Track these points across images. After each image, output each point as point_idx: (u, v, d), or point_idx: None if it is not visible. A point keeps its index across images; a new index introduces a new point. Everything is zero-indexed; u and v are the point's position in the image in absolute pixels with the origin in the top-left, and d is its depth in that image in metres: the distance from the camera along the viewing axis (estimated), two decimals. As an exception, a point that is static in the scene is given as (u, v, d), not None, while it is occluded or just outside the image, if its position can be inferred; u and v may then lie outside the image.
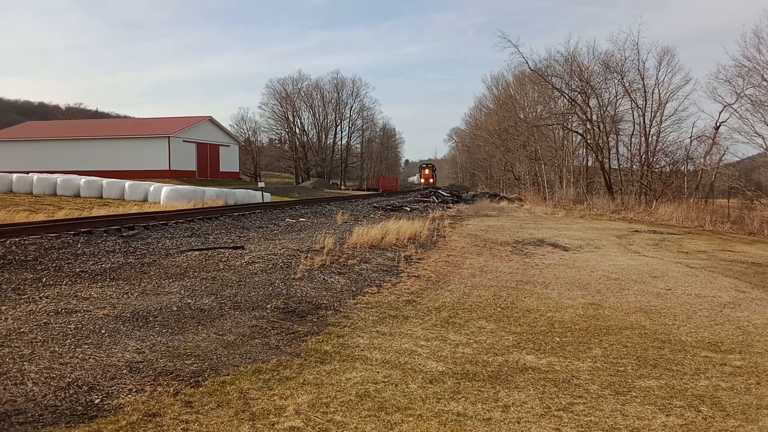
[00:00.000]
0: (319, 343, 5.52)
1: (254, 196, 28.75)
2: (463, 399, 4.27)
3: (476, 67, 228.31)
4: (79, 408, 3.70)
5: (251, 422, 3.66)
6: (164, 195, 24.26)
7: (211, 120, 49.54)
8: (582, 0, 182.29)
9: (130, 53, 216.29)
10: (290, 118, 79.94)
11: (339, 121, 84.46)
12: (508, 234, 16.61)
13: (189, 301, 6.44)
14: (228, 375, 4.48)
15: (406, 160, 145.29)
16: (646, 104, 34.20)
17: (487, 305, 7.57)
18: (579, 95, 36.48)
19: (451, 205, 31.92)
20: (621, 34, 71.24)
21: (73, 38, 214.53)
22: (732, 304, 8.17)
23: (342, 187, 73.03)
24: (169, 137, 42.79)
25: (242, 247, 10.18)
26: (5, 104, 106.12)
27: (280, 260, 9.11)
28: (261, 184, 31.81)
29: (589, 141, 36.56)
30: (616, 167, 36.66)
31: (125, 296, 6.45)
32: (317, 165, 79.49)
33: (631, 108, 35.07)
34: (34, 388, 3.89)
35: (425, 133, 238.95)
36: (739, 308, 7.90)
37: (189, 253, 9.36)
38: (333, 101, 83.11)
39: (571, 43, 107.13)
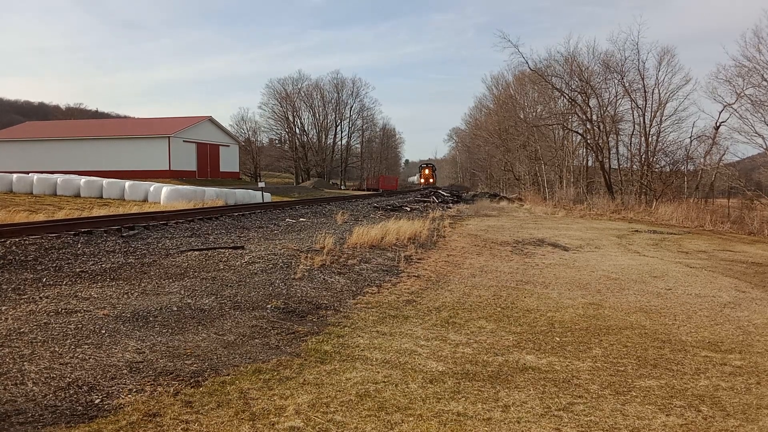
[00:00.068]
0: (319, 343, 5.52)
1: (254, 196, 28.75)
2: (463, 399, 4.27)
3: (476, 67, 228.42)
4: (79, 408, 3.70)
5: (251, 422, 3.66)
6: (164, 195, 24.26)
7: (211, 120, 49.54)
8: (582, 0, 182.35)
9: (130, 53, 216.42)
10: (290, 118, 80.00)
11: (339, 121, 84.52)
12: (508, 234, 16.61)
13: (189, 301, 6.44)
14: (228, 375, 4.48)
15: (406, 160, 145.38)
16: (646, 104, 34.23)
17: (487, 305, 7.57)
18: (579, 95, 36.48)
19: (451, 205, 31.92)
20: (621, 34, 71.23)
21: (73, 38, 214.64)
22: (732, 303, 8.17)
23: (342, 187, 73.03)
24: (169, 137, 42.79)
25: (242, 247, 10.18)
26: (5, 104, 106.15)
27: (280, 260, 9.10)
28: (261, 184, 31.81)
29: (589, 141, 36.57)
30: (616, 167, 36.69)
31: (125, 296, 6.45)
32: (317, 165, 79.50)
33: (631, 108, 35.12)
34: (34, 388, 3.89)
35: (425, 133, 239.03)
36: (739, 308, 7.90)
37: (189, 253, 9.36)
38: (333, 101, 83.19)
39: (571, 43, 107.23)
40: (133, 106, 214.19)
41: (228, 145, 51.48)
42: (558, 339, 6.09)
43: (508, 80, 54.92)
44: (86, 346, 4.76)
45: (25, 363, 4.28)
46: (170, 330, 5.47)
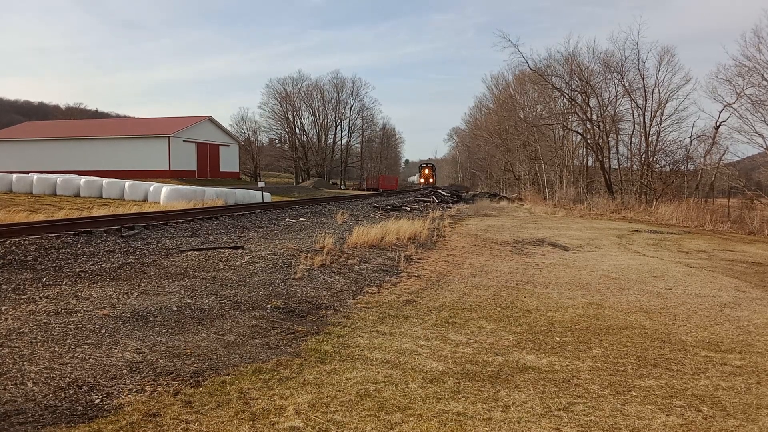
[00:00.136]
0: (319, 343, 5.52)
1: (254, 196, 28.74)
2: (463, 399, 4.27)
3: (476, 67, 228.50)
4: (79, 408, 3.70)
5: (251, 422, 3.66)
6: (164, 195, 24.26)
7: (211, 120, 49.54)
8: (582, 0, 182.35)
9: (130, 53, 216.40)
10: (290, 118, 79.99)
11: (339, 120, 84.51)
12: (508, 234, 16.61)
13: (189, 301, 6.44)
14: (228, 375, 4.48)
15: (406, 160, 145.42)
16: (646, 104, 34.23)
17: (487, 305, 7.57)
18: (579, 95, 36.48)
19: (451, 204, 31.92)
20: (621, 33, 71.44)
21: (73, 38, 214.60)
22: (732, 303, 8.17)
23: (342, 187, 73.03)
24: (169, 137, 42.79)
25: (242, 247, 10.18)
26: (5, 104, 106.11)
27: (280, 260, 9.10)
28: (261, 184, 31.80)
29: (589, 141, 36.56)
30: (616, 167, 36.69)
31: (125, 296, 6.45)
32: (317, 165, 79.49)
33: (631, 108, 35.12)
34: (34, 388, 3.89)
35: (425, 133, 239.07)
36: (739, 308, 7.90)
37: (189, 253, 9.36)
38: (333, 101, 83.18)
39: (571, 42, 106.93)
40: (133, 106, 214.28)
41: (228, 145, 51.48)
42: (558, 339, 6.09)
43: (508, 80, 54.96)
44: (86, 346, 4.76)
45: (25, 363, 4.28)
46: (170, 330, 5.46)
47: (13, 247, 8.81)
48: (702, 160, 33.39)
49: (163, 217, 14.55)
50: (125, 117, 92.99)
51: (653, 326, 6.75)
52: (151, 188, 25.49)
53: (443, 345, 5.66)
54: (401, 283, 8.83)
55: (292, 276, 8.20)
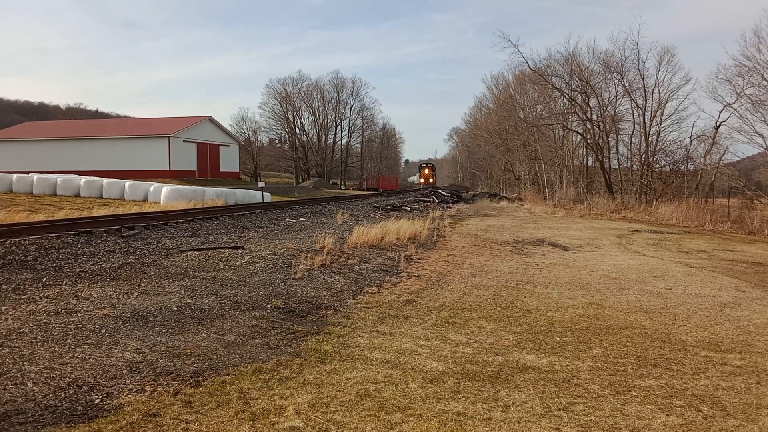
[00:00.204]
0: (319, 342, 5.52)
1: (254, 196, 28.75)
2: (463, 399, 4.27)
3: (476, 67, 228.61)
4: (79, 408, 3.70)
5: (251, 422, 3.66)
6: (164, 195, 24.26)
7: (211, 120, 49.54)
8: (582, 0, 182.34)
9: (130, 53, 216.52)
10: (290, 118, 80.00)
11: (339, 121, 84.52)
12: (508, 234, 16.61)
13: (189, 301, 6.44)
14: (228, 375, 4.48)
15: (406, 160, 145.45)
16: (646, 104, 34.24)
17: (487, 305, 7.57)
18: (579, 95, 36.48)
19: (451, 204, 31.92)
20: (621, 33, 71.38)
21: (73, 38, 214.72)
22: (732, 303, 8.17)
23: (342, 187, 73.02)
24: (169, 137, 42.80)
25: (242, 247, 10.18)
26: (5, 104, 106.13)
27: (280, 260, 9.10)
28: (261, 184, 31.81)
29: (589, 141, 36.56)
30: (616, 167, 36.69)
31: (125, 296, 6.45)
32: (317, 165, 79.48)
33: (631, 108, 35.12)
34: (34, 388, 3.89)
35: (425, 133, 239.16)
36: (739, 308, 7.90)
37: (189, 253, 9.36)
38: (333, 101, 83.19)
39: (571, 42, 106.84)
40: (133, 106, 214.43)
41: (228, 145, 51.48)
42: (558, 339, 6.09)
43: (508, 80, 54.96)
44: (86, 346, 4.76)
45: (25, 363, 4.28)
46: (170, 330, 5.47)
47: (14, 247, 8.81)
48: (702, 160, 33.41)
49: (163, 217, 14.55)
50: (125, 117, 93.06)
51: (653, 326, 6.75)
52: (152, 188, 25.49)
53: (443, 345, 5.66)
54: (401, 283, 8.83)
55: (292, 276, 8.20)
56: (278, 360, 4.93)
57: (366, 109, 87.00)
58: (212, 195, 25.60)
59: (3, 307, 5.70)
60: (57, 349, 4.63)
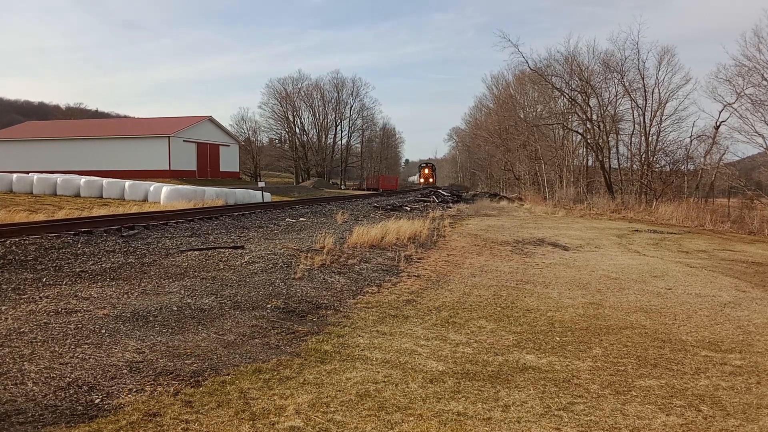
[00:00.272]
0: (319, 342, 5.51)
1: (254, 195, 28.75)
2: (464, 398, 4.27)
3: (476, 66, 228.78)
4: (79, 408, 3.70)
5: (251, 422, 3.66)
6: (164, 195, 24.26)
7: (211, 120, 49.54)
8: (582, 0, 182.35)
9: (130, 53, 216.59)
10: (290, 117, 79.99)
11: (339, 120, 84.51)
12: (509, 233, 16.61)
13: (189, 300, 6.44)
14: (228, 375, 4.48)
15: (406, 160, 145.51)
16: (646, 104, 34.25)
17: (487, 305, 7.57)
18: (579, 95, 36.48)
19: (451, 204, 31.91)
20: (621, 33, 71.47)
21: (73, 38, 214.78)
22: (732, 303, 8.17)
23: (342, 187, 73.02)
24: (169, 137, 42.79)
25: (242, 247, 10.18)
26: (5, 104, 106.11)
27: (280, 260, 9.10)
28: (261, 184, 31.81)
29: (589, 140, 36.56)
30: (616, 167, 36.70)
31: (125, 296, 6.45)
32: (317, 165, 79.48)
33: (631, 107, 35.13)
34: (34, 388, 3.89)
35: (425, 133, 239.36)
36: (739, 308, 7.90)
37: (189, 252, 9.36)
38: (333, 101, 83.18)
39: (571, 42, 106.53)
40: (133, 106, 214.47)
41: (228, 145, 51.48)
42: (558, 339, 6.08)
43: (508, 80, 54.94)
44: (86, 346, 4.76)
45: (25, 363, 4.28)
46: (170, 330, 5.46)
47: (14, 247, 8.81)
48: (702, 160, 33.42)
49: (163, 217, 14.56)
50: (125, 117, 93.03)
51: (653, 326, 6.75)
52: (151, 188, 25.49)
53: (443, 345, 5.66)
54: (401, 282, 8.83)
55: (292, 276, 8.20)
56: (278, 360, 4.93)
57: (366, 109, 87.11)
58: (212, 195, 25.60)
59: (3, 307, 5.70)
60: (57, 348, 4.63)
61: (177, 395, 4.00)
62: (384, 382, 4.53)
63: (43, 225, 11.32)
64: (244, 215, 17.30)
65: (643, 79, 34.15)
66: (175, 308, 6.09)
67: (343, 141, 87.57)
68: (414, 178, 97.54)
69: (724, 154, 32.46)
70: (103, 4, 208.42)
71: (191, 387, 4.17)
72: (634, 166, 35.57)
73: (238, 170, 55.26)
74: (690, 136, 34.01)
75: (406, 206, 27.04)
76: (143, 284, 7.09)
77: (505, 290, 8.58)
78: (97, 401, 3.81)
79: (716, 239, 18.06)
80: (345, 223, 16.18)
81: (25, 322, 5.23)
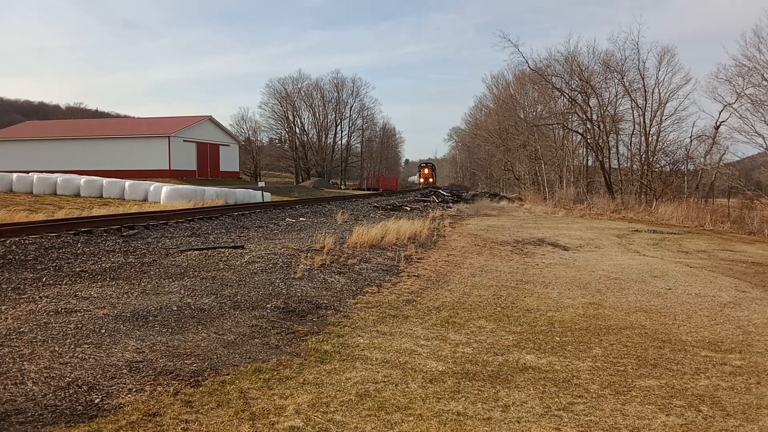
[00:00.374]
0: (319, 342, 5.51)
1: (254, 195, 28.74)
2: (463, 398, 4.27)
3: (476, 66, 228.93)
4: (79, 408, 3.69)
5: (251, 422, 3.66)
6: (164, 194, 24.26)
7: (211, 120, 49.53)
8: (582, 0, 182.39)
9: (130, 53, 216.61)
10: (290, 117, 79.97)
11: (339, 120, 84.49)
12: (508, 233, 16.61)
13: (189, 300, 6.44)
14: (228, 375, 4.48)
15: (406, 160, 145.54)
16: (646, 104, 34.26)
17: (487, 305, 7.57)
18: (579, 95, 36.49)
19: (451, 204, 31.91)
20: (621, 33, 71.43)
21: (73, 38, 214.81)
22: (732, 303, 8.17)
23: (342, 187, 73.02)
24: (169, 137, 42.79)
25: (242, 247, 10.18)
26: (5, 104, 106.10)
27: (280, 260, 9.10)
28: (261, 184, 31.81)
29: (589, 140, 36.56)
30: (616, 167, 36.72)
31: (125, 296, 6.45)
32: (317, 165, 79.47)
33: (631, 107, 35.14)
34: (34, 387, 3.88)
35: (425, 133, 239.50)
36: (739, 308, 7.90)
37: (189, 252, 9.36)
38: (333, 101, 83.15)
39: (571, 42, 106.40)
40: (133, 106, 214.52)
41: (228, 145, 51.48)
42: (558, 339, 6.08)
43: (508, 80, 54.93)
44: (86, 346, 4.76)
45: (25, 363, 4.28)
46: (170, 329, 5.46)
47: (14, 247, 8.81)
48: (702, 160, 33.43)
49: (163, 216, 14.56)
50: (125, 117, 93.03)
51: (653, 326, 6.75)
52: (151, 188, 25.49)
53: (443, 345, 5.66)
54: (401, 282, 8.83)
55: (292, 276, 8.20)
56: (278, 360, 4.92)
57: (366, 109, 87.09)
58: (212, 195, 25.60)
59: (3, 307, 5.70)
60: (57, 348, 4.63)
61: (177, 395, 4.00)
62: (384, 382, 4.53)
63: (43, 225, 11.32)
64: (244, 215, 17.30)
65: (643, 79, 34.20)
66: (175, 308, 6.09)
67: (343, 141, 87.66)
68: (414, 178, 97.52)
69: (724, 154, 32.52)
70: (103, 4, 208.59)
71: (191, 387, 4.17)
72: (634, 166, 35.59)
73: (238, 170, 55.26)
74: (690, 136, 34.07)
75: (406, 206, 27.05)
76: (143, 284, 7.09)
77: (505, 290, 8.58)
78: (96, 401, 3.81)
79: (716, 239, 18.06)
80: (345, 223, 16.18)
81: (25, 321, 5.23)
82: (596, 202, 32.24)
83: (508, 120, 50.61)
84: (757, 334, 6.54)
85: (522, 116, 47.64)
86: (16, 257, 8.19)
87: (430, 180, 76.51)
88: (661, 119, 34.22)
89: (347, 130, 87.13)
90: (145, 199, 25.21)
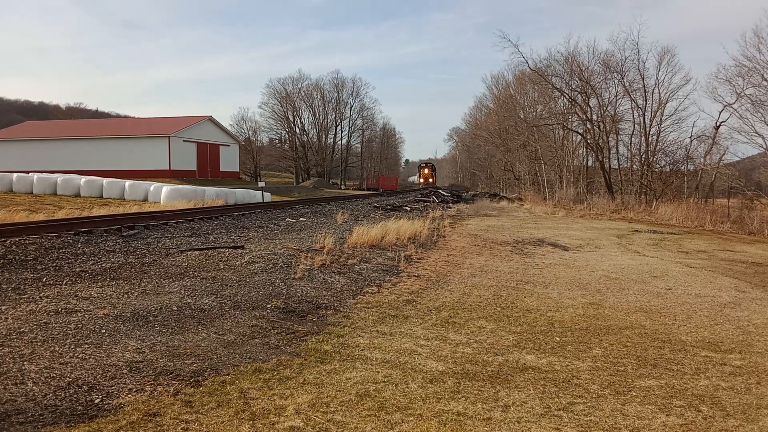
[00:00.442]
0: (319, 342, 5.52)
1: (254, 195, 28.74)
2: (463, 399, 4.27)
3: (476, 66, 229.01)
4: (79, 408, 3.70)
5: (251, 422, 3.66)
6: (164, 195, 24.26)
7: (211, 120, 49.54)
8: (582, 0, 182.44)
9: (130, 53, 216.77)
10: (290, 117, 79.97)
11: (339, 120, 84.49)
12: (508, 234, 16.61)
13: (189, 300, 6.44)
14: (228, 375, 4.48)
15: (406, 160, 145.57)
16: (646, 104, 34.26)
17: (487, 305, 7.57)
18: (579, 95, 36.49)
19: (451, 204, 31.92)
20: (621, 33, 71.37)
21: (73, 38, 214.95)
22: (732, 303, 8.17)
23: (342, 187, 73.01)
24: (169, 137, 42.80)
25: (242, 247, 10.18)
26: (5, 104, 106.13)
27: (281, 260, 9.10)
28: (261, 184, 31.82)
29: (589, 141, 36.56)
30: (616, 167, 36.72)
31: (125, 296, 6.45)
32: (317, 165, 79.47)
33: (631, 108, 35.15)
34: (34, 387, 3.89)
35: (425, 133, 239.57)
36: (739, 308, 7.90)
37: (189, 252, 9.36)
38: (333, 101, 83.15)
39: (571, 42, 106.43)
40: (133, 106, 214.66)
41: (228, 145, 51.48)
42: (558, 339, 6.09)
43: (508, 80, 54.95)
44: (86, 346, 4.76)
45: (25, 363, 4.28)
46: (170, 330, 5.47)
47: (14, 247, 8.82)
48: (702, 160, 33.44)
49: (164, 216, 14.56)
50: (125, 117, 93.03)
51: (653, 326, 6.75)
52: (152, 188, 25.49)
53: (443, 345, 5.66)
54: (401, 282, 8.83)
55: (292, 276, 8.20)
56: (278, 360, 4.93)
57: (366, 109, 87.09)
58: (212, 195, 25.60)
59: (3, 307, 5.70)
60: (57, 348, 4.63)
61: (177, 395, 4.00)
62: (384, 382, 4.53)
63: (43, 225, 11.32)
64: (244, 215, 17.30)
65: (643, 79, 34.21)
66: (175, 308, 6.09)
67: (343, 141, 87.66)
68: (414, 178, 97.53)
69: (724, 154, 32.53)
70: (103, 4, 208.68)
71: (191, 387, 4.17)
72: (634, 166, 35.59)
73: (238, 170, 55.27)
74: (690, 137, 34.08)
75: (406, 206, 27.05)
76: (143, 284, 7.09)
77: (505, 290, 8.58)
78: (97, 401, 3.81)
79: (716, 239, 18.06)
80: (345, 223, 16.19)
81: (25, 321, 5.23)
82: (596, 202, 32.24)
83: (508, 120, 50.61)
84: (757, 334, 6.54)
85: (522, 116, 47.65)
86: (17, 257, 8.19)
87: (430, 180, 76.51)
88: (661, 119, 34.26)
89: (347, 130, 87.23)
90: (145, 199, 25.22)
